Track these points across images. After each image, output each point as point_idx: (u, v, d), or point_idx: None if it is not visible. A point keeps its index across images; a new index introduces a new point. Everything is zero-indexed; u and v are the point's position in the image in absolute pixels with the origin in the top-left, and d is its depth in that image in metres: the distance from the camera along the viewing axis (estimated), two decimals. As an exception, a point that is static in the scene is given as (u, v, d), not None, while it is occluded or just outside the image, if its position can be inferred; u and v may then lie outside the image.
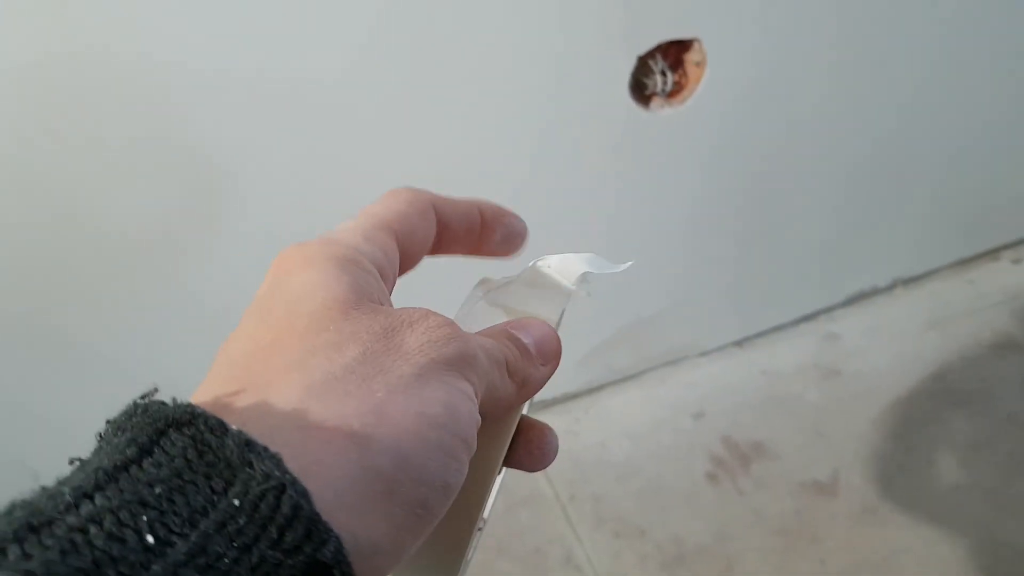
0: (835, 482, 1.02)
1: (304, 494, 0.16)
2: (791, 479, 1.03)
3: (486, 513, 0.27)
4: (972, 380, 1.13)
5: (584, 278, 0.30)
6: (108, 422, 0.18)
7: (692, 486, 1.04)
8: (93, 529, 0.14)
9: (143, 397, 0.18)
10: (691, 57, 0.83)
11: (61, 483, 0.16)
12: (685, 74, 0.84)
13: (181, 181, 0.72)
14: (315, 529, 0.15)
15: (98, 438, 0.18)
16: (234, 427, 0.16)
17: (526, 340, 0.25)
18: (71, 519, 0.14)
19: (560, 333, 0.27)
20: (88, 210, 0.71)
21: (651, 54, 0.80)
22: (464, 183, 0.81)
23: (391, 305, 0.23)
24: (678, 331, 1.16)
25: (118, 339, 0.82)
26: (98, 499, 0.15)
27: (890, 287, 1.25)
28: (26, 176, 0.66)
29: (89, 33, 0.60)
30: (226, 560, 0.14)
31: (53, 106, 0.63)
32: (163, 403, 0.17)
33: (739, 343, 1.21)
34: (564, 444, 1.08)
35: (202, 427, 0.16)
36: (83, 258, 0.74)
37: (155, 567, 0.14)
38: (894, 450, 1.05)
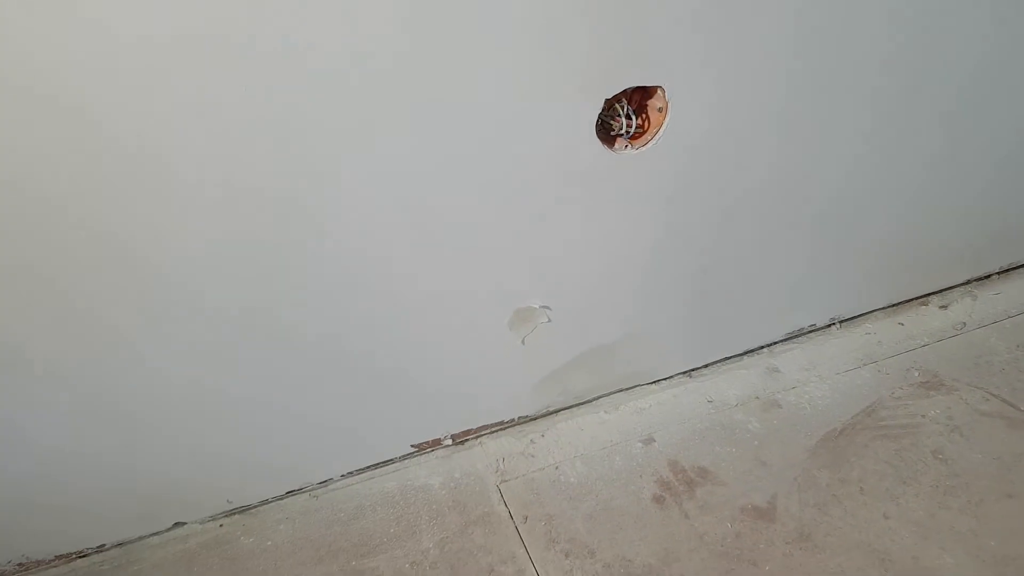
0: (773, 508, 1.07)
1: None
2: (733, 504, 1.08)
3: None
4: (901, 416, 1.21)
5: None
6: None
7: (640, 508, 1.08)
8: None
9: None
10: (654, 103, 0.89)
11: None
12: (648, 119, 0.90)
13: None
14: None
15: None
16: None
17: None
18: None
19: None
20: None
21: (617, 98, 0.86)
22: (449, 221, 0.85)
23: None
24: (633, 360, 1.21)
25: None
26: None
27: (828, 325, 1.32)
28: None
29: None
30: None
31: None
32: None
33: (689, 373, 1.27)
34: (519, 466, 1.11)
35: None
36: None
37: None
38: (829, 479, 1.11)
